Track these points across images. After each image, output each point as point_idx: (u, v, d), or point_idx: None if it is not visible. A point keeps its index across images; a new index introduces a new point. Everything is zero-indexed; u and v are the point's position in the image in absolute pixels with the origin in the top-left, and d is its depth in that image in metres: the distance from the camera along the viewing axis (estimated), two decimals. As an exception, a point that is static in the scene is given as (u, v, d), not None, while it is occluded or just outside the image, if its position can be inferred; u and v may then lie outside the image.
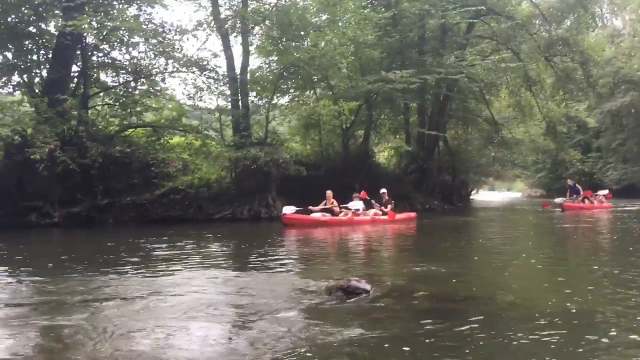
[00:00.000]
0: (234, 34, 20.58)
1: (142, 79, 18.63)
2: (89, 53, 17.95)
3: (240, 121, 19.42)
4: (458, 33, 26.86)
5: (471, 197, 40.00)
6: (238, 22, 19.78)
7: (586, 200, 24.09)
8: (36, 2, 15.37)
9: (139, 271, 7.19)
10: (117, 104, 18.72)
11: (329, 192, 15.86)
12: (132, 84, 18.79)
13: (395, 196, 18.77)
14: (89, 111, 17.96)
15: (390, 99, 23.04)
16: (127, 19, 17.18)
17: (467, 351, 3.70)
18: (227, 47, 20.05)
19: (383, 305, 5.03)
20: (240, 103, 19.84)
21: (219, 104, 20.87)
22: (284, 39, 20.14)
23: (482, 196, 54.60)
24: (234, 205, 18.14)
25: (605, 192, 26.42)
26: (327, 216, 15.32)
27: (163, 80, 19.13)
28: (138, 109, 18.50)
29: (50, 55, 17.34)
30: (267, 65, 22.13)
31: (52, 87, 16.24)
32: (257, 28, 20.79)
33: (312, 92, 23.95)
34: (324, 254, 9.93)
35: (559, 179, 42.09)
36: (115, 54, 18.67)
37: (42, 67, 17.55)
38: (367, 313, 4.76)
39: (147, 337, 4.04)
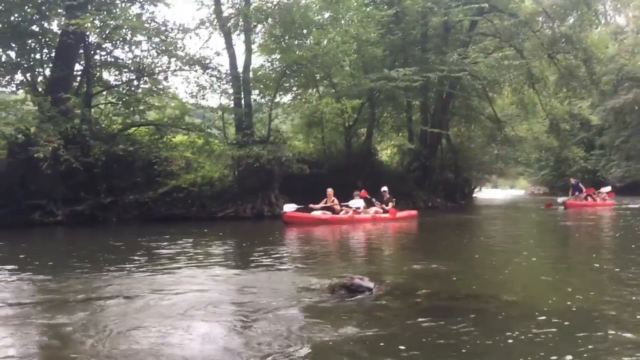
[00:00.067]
0: (237, 32, 20.59)
1: (145, 78, 18.63)
2: (92, 52, 17.97)
3: (242, 119, 19.43)
4: (461, 30, 26.80)
5: (474, 194, 39.97)
6: (240, 20, 19.78)
7: (589, 198, 24.06)
8: (39, 1, 15.40)
9: (141, 269, 7.21)
10: (120, 102, 18.74)
11: (330, 190, 15.85)
12: (135, 82, 18.81)
13: (397, 194, 18.77)
14: (92, 110, 17.97)
15: (393, 96, 23.04)
16: (130, 17, 17.18)
17: (469, 349, 3.70)
18: (229, 46, 20.05)
19: (386, 303, 5.04)
20: (242, 101, 19.85)
21: (221, 102, 20.92)
22: (286, 37, 20.14)
23: (485, 194, 54.54)
24: (237, 203, 18.15)
25: (608, 189, 26.35)
26: (328, 214, 15.31)
27: (166, 78, 19.16)
28: (141, 107, 18.52)
29: (53, 54, 17.37)
30: (269, 64, 22.13)
31: (55, 86, 16.27)
32: (259, 26, 20.78)
33: (314, 90, 23.95)
34: (326, 252, 9.94)
35: (562, 177, 42.02)
36: (118, 52, 18.71)
37: (45, 65, 17.58)
38: (370, 311, 4.77)
39: (149, 335, 4.05)
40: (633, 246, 9.90)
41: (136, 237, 12.10)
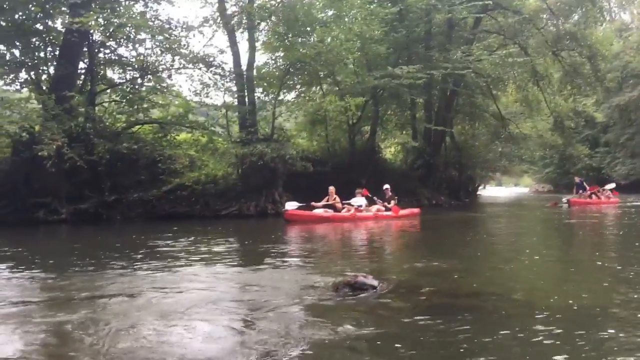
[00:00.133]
0: (240, 30, 20.59)
1: (149, 76, 18.64)
2: (96, 50, 17.98)
3: (246, 117, 19.43)
4: (465, 28, 26.77)
5: (478, 192, 39.92)
6: (244, 18, 19.78)
7: (593, 196, 24.00)
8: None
9: (145, 267, 7.21)
10: (124, 100, 18.73)
11: (332, 188, 15.85)
12: (139, 80, 18.81)
13: (401, 192, 18.75)
14: (96, 108, 18.00)
15: (397, 94, 23.01)
16: (134, 15, 17.19)
17: (473, 347, 3.69)
18: (233, 44, 20.04)
19: (390, 301, 5.03)
20: (246, 99, 19.85)
21: (225, 100, 20.93)
22: (290, 35, 20.12)
23: (489, 192, 54.48)
24: (241, 201, 18.16)
25: (612, 185, 26.28)
26: (330, 212, 15.30)
27: (169, 76, 19.15)
28: (145, 105, 18.52)
29: (57, 52, 17.38)
30: (273, 61, 22.13)
31: (59, 84, 16.29)
32: (263, 24, 20.80)
33: (318, 88, 23.94)
34: (329, 250, 9.94)
35: (566, 174, 41.99)
36: (122, 50, 18.71)
37: (49, 64, 17.60)
38: (374, 309, 4.76)
39: (151, 333, 4.04)
40: (637, 244, 9.87)
41: (140, 235, 12.10)
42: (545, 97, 29.63)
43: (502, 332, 3.99)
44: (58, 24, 17.16)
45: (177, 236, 11.55)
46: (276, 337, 3.91)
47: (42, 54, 17.51)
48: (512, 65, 25.56)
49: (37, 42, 17.31)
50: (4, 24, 16.11)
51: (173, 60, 18.69)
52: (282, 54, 21.27)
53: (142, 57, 18.42)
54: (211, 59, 18.94)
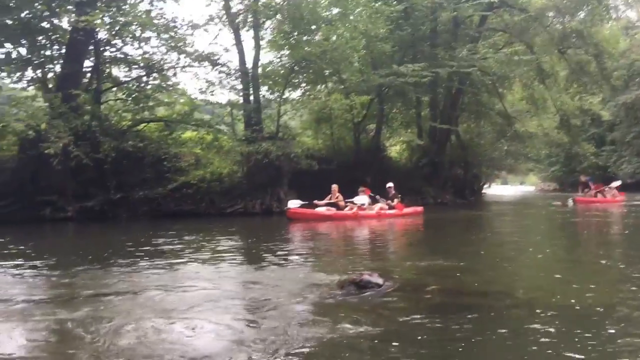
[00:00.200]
0: (246, 28, 20.60)
1: (154, 74, 18.70)
2: (102, 48, 18.04)
3: (251, 115, 19.46)
4: (470, 26, 26.68)
5: (483, 191, 39.81)
6: (249, 16, 19.78)
7: (599, 195, 23.91)
8: (49, -2, 15.49)
9: (149, 265, 7.23)
10: (130, 98, 18.81)
11: (334, 186, 15.83)
12: (144, 78, 18.88)
13: (406, 190, 18.72)
14: (102, 106, 18.07)
15: (402, 92, 22.98)
16: (139, 14, 17.23)
17: (479, 346, 3.69)
18: (238, 42, 20.07)
19: (396, 299, 5.03)
20: (251, 97, 19.89)
21: (230, 98, 20.97)
22: (295, 33, 20.10)
23: (495, 190, 54.31)
24: (246, 199, 18.19)
25: (618, 183, 26.12)
26: (332, 210, 15.29)
27: (175, 75, 19.22)
28: (150, 103, 18.59)
29: (63, 51, 17.47)
30: (278, 60, 22.13)
31: (65, 82, 16.36)
32: (268, 22, 20.80)
33: (323, 86, 23.92)
34: (333, 249, 9.95)
35: (572, 173, 41.76)
36: (127, 49, 18.77)
37: (55, 62, 17.68)
38: (379, 307, 4.77)
39: (154, 331, 4.05)
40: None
41: (145, 233, 12.14)
42: (551, 95, 29.51)
43: (505, 331, 4.00)
44: (64, 23, 17.25)
45: (182, 234, 11.57)
46: (280, 335, 3.91)
47: (48, 53, 17.59)
48: (517, 63, 25.47)
49: (43, 41, 17.39)
50: (10, 22, 16.18)
51: (178, 59, 18.76)
52: (287, 52, 21.27)
53: (147, 56, 18.48)
54: (216, 57, 19.00)
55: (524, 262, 7.62)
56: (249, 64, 19.94)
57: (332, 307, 4.78)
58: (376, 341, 3.79)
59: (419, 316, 4.41)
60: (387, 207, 16.38)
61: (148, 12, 17.84)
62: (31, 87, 17.81)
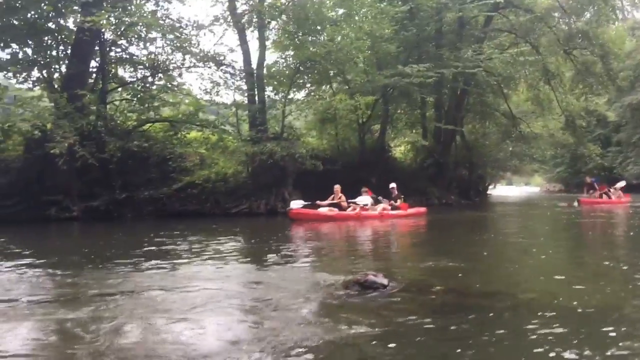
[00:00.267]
0: (251, 28, 20.64)
1: (160, 74, 18.76)
2: (107, 48, 18.11)
3: (256, 116, 19.49)
4: (476, 26, 26.63)
5: (488, 192, 39.73)
6: (254, 16, 19.81)
7: (604, 196, 23.82)
8: (55, -2, 15.56)
9: (154, 265, 7.24)
10: (135, 99, 18.89)
11: (337, 187, 15.80)
12: (150, 79, 18.95)
13: (411, 191, 18.70)
14: (107, 106, 18.14)
15: (407, 93, 22.97)
16: (145, 14, 17.30)
17: (484, 346, 3.68)
18: (243, 42, 20.10)
19: (400, 299, 5.02)
20: (256, 98, 19.92)
21: (235, 98, 20.97)
22: (300, 34, 20.13)
23: (500, 191, 54.23)
24: (251, 199, 18.21)
25: (623, 184, 25.99)
26: (335, 211, 15.25)
27: (180, 75, 19.30)
28: (155, 104, 18.66)
29: (69, 51, 17.54)
30: (283, 60, 22.18)
31: (71, 83, 16.42)
32: (273, 23, 20.81)
33: (328, 86, 23.93)
34: (337, 249, 9.92)
35: (578, 174, 41.68)
36: (133, 49, 18.86)
37: (61, 62, 17.75)
38: (384, 307, 4.75)
39: (158, 331, 4.06)
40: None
41: (150, 232, 12.15)
42: (556, 96, 29.40)
43: (510, 333, 3.98)
44: (70, 23, 17.33)
45: (187, 234, 11.59)
46: (284, 335, 3.91)
47: (54, 53, 17.66)
48: (523, 64, 25.42)
49: (49, 41, 17.47)
50: (16, 22, 16.27)
51: (184, 59, 18.82)
52: (292, 53, 21.30)
53: (153, 56, 18.56)
54: (221, 57, 19.07)
55: (528, 263, 7.59)
56: (254, 65, 19.97)
57: (336, 307, 4.77)
58: (382, 342, 3.78)
59: (424, 317, 4.40)
60: (390, 207, 16.35)
61: (153, 12, 17.91)
62: (37, 87, 17.88)
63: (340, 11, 21.34)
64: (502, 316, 4.50)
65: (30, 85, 17.83)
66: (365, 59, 21.83)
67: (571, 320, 4.27)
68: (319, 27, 19.92)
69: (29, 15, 16.47)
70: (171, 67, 18.84)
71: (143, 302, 4.97)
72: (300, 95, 24.44)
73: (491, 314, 4.52)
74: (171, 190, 17.34)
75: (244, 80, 19.85)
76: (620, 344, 3.69)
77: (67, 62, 17.39)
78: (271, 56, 22.41)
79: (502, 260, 8.11)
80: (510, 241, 11.15)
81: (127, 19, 16.70)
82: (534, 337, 3.84)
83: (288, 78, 20.98)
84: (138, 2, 18.17)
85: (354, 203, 15.63)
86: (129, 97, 19.26)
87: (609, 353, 3.50)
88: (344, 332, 3.97)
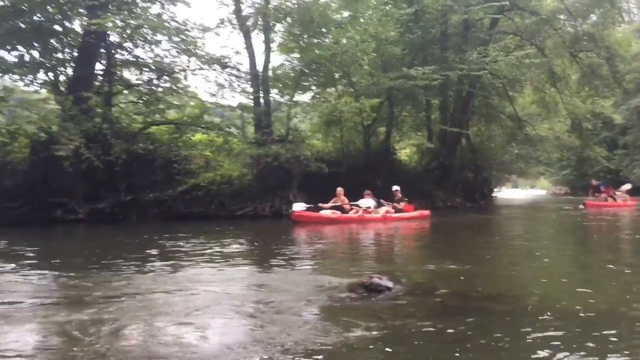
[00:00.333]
0: (256, 31, 20.65)
1: (165, 77, 18.78)
2: (113, 51, 18.14)
3: (261, 118, 19.50)
4: (481, 29, 26.62)
5: (494, 194, 39.64)
6: (260, 19, 19.83)
7: (609, 199, 23.73)
8: (61, 1, 15.59)
9: (158, 267, 7.25)
10: (141, 101, 18.92)
11: (339, 189, 15.78)
12: (155, 81, 18.95)
13: (416, 193, 18.65)
14: (113, 109, 18.16)
15: (412, 95, 22.93)
16: (151, 17, 17.32)
17: (488, 350, 3.67)
18: (248, 45, 20.13)
19: (406, 302, 5.01)
20: (261, 100, 19.94)
21: (240, 101, 21.00)
22: (305, 36, 20.14)
23: (505, 194, 54.09)
24: (256, 202, 18.21)
25: (628, 186, 25.89)
26: (337, 213, 15.22)
27: (185, 77, 19.28)
28: (161, 106, 18.68)
29: (75, 54, 17.58)
30: (288, 63, 22.17)
31: (77, 85, 16.46)
32: (278, 25, 20.83)
33: (333, 89, 23.92)
34: (341, 252, 9.92)
35: (584, 177, 41.52)
36: (138, 52, 18.84)
37: (67, 65, 17.79)
38: (390, 310, 4.74)
39: (162, 333, 4.06)
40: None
41: (155, 235, 12.17)
42: (562, 98, 29.31)
43: (514, 335, 3.98)
44: (76, 26, 17.36)
45: (192, 237, 11.59)
46: (288, 338, 3.90)
47: (60, 55, 17.69)
48: (528, 66, 25.33)
49: (55, 44, 17.50)
50: (23, 25, 16.31)
51: (189, 62, 18.83)
52: (297, 55, 21.31)
53: (158, 59, 18.57)
54: (227, 60, 19.05)
55: (532, 266, 7.57)
56: (259, 67, 20.02)
57: (341, 310, 4.77)
58: (388, 345, 3.77)
59: (429, 320, 4.39)
60: (392, 210, 16.32)
61: (159, 15, 17.93)
62: (43, 90, 17.92)
63: (346, 14, 21.36)
64: (506, 319, 4.49)
65: (37, 88, 17.87)
66: (370, 61, 21.79)
67: (575, 323, 4.26)
68: (324, 30, 19.93)
69: (35, 18, 16.51)
70: (177, 70, 18.86)
71: (146, 305, 4.98)
72: (306, 97, 24.46)
73: (495, 317, 4.51)
74: (176, 192, 17.36)
75: (249, 82, 19.87)
76: (623, 347, 3.68)
77: (73, 64, 17.44)
78: (276, 59, 22.51)
79: (506, 263, 8.08)
80: (515, 244, 11.12)
81: (133, 21, 16.73)
82: (538, 340, 3.83)
83: (293, 80, 21.00)
84: (144, 4, 18.21)
85: (357, 206, 15.60)
86: (134, 99, 19.30)
87: (612, 356, 3.49)
88: (350, 335, 3.96)
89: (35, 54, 17.23)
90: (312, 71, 21.19)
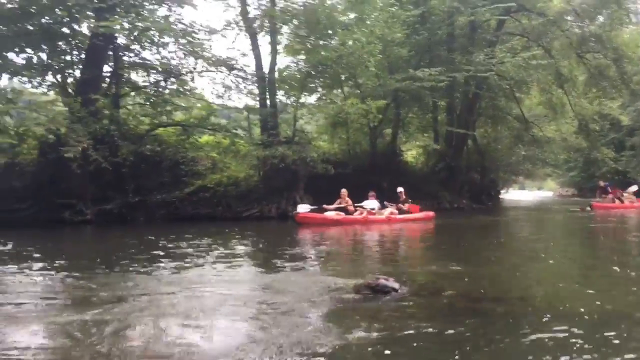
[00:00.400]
0: (262, 33, 20.69)
1: (172, 79, 18.85)
2: (121, 53, 18.22)
3: (268, 120, 19.53)
4: (488, 30, 26.54)
5: (501, 196, 39.50)
6: (266, 21, 19.87)
7: (616, 200, 23.61)
8: (69, 4, 15.66)
9: (164, 268, 7.29)
10: (148, 103, 19.01)
11: (344, 191, 15.79)
12: (162, 83, 19.04)
13: (423, 195, 18.62)
14: (121, 110, 18.24)
15: (419, 97, 22.91)
16: (158, 19, 17.40)
17: (495, 351, 3.68)
18: (255, 47, 20.17)
19: (412, 303, 5.02)
20: (268, 102, 19.96)
21: (247, 103, 21.04)
22: (312, 38, 20.13)
23: (512, 195, 53.86)
24: (262, 203, 18.23)
25: (635, 188, 25.73)
26: (342, 215, 15.22)
27: (192, 79, 19.35)
28: (168, 108, 18.77)
29: (83, 56, 17.67)
30: (295, 64, 22.17)
31: (84, 87, 16.55)
32: (285, 27, 20.86)
33: (339, 90, 23.92)
34: (345, 253, 9.93)
35: (591, 178, 41.30)
36: (146, 54, 18.94)
37: (75, 67, 17.89)
38: (396, 311, 4.76)
39: (167, 334, 4.09)
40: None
41: (162, 236, 12.19)
42: (569, 99, 29.18)
43: (519, 337, 3.99)
44: (84, 28, 17.42)
45: (199, 238, 11.63)
46: (295, 338, 3.92)
47: (68, 58, 17.79)
48: (535, 67, 25.20)
49: (63, 46, 17.59)
50: (31, 28, 16.40)
51: (196, 63, 18.91)
52: (303, 57, 21.31)
53: (165, 60, 18.65)
54: (233, 62, 19.12)
55: (537, 268, 7.56)
56: (266, 69, 20.05)
57: (348, 311, 4.78)
58: (395, 346, 3.78)
59: (436, 321, 4.39)
60: (397, 211, 16.30)
61: (166, 17, 18.00)
62: (51, 92, 18.02)
63: (352, 15, 21.35)
64: (512, 321, 4.49)
65: (45, 90, 17.98)
66: (376, 63, 21.78)
67: (580, 325, 4.25)
68: (330, 32, 19.92)
69: (43, 20, 16.59)
70: (183, 72, 18.94)
71: (152, 305, 5.01)
72: (312, 99, 24.46)
73: (501, 319, 4.52)
74: (183, 194, 17.42)
75: (256, 84, 19.91)
76: (629, 349, 3.67)
77: (81, 66, 17.53)
78: (283, 60, 22.48)
79: (512, 265, 8.08)
80: (521, 246, 11.11)
81: (140, 24, 16.80)
82: (544, 342, 3.84)
83: (299, 82, 21.01)
84: (151, 7, 18.28)
85: (361, 207, 15.61)
86: (141, 101, 19.39)
87: (617, 359, 3.49)
88: (357, 336, 3.97)
89: (44, 56, 17.33)
90: (318, 73, 21.19)
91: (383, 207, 16.26)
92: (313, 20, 18.98)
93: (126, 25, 16.60)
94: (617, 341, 3.84)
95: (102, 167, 15.14)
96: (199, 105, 20.54)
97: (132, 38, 17.38)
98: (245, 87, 20.01)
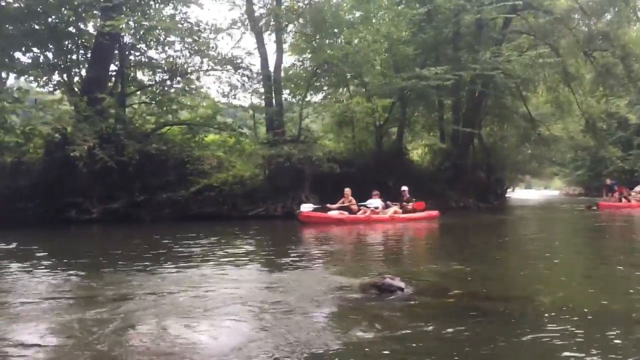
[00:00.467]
0: (268, 32, 20.70)
1: (178, 78, 18.88)
2: (127, 52, 18.27)
3: (273, 119, 19.53)
4: (494, 28, 26.44)
5: (507, 195, 39.40)
6: (272, 20, 19.88)
7: (623, 199, 23.49)
8: (75, 3, 15.72)
9: (169, 267, 7.28)
10: (154, 102, 19.05)
11: (347, 190, 15.74)
12: (168, 82, 19.07)
13: (429, 194, 18.55)
14: (127, 109, 18.29)
15: (424, 95, 22.85)
16: (164, 18, 17.44)
17: (502, 351, 3.65)
18: (261, 45, 20.18)
19: (418, 303, 4.99)
20: (273, 101, 19.97)
21: (252, 101, 21.04)
22: (317, 37, 20.13)
23: (519, 194, 53.75)
24: (268, 202, 18.23)
25: None
26: (345, 214, 15.19)
27: (198, 78, 19.39)
28: (174, 107, 18.79)
29: (89, 55, 17.73)
30: (300, 63, 22.18)
31: (91, 86, 16.60)
32: (290, 26, 20.86)
33: (345, 89, 23.91)
34: (350, 252, 9.91)
35: (598, 177, 41.11)
36: (151, 53, 18.99)
37: (81, 66, 17.97)
38: (402, 311, 4.74)
39: (171, 333, 4.07)
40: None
41: (167, 235, 12.23)
42: (576, 98, 29.07)
43: (525, 337, 3.96)
44: (90, 27, 17.53)
45: (204, 237, 11.64)
46: (300, 338, 3.90)
47: (74, 57, 17.87)
48: (542, 66, 25.09)
49: (69, 45, 17.67)
50: (37, 27, 16.48)
51: (202, 62, 18.94)
52: (309, 56, 21.31)
53: (171, 59, 18.68)
54: (239, 60, 19.14)
55: (543, 268, 7.51)
56: (271, 68, 20.02)
57: (354, 310, 4.76)
58: (402, 345, 3.76)
59: (442, 321, 4.37)
60: (400, 210, 16.26)
61: (172, 16, 18.05)
62: (57, 91, 18.09)
63: (358, 14, 21.31)
64: (517, 321, 4.47)
65: (51, 89, 18.06)
66: (382, 61, 21.75)
67: (586, 325, 4.24)
68: (336, 30, 19.91)
69: (49, 19, 16.67)
70: (189, 71, 18.97)
71: (157, 304, 5.01)
72: (318, 98, 24.47)
73: (506, 319, 4.50)
74: (189, 192, 17.43)
75: (262, 83, 19.92)
76: (631, 350, 3.64)
77: (87, 66, 17.60)
78: (288, 59, 22.49)
79: (517, 264, 8.04)
80: (527, 245, 11.06)
81: (146, 23, 16.85)
82: (550, 341, 3.81)
83: (305, 81, 21.01)
84: (157, 6, 18.32)
85: (364, 206, 15.58)
86: (147, 100, 19.43)
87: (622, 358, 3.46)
88: (363, 335, 3.96)
89: (50, 55, 17.42)
90: (324, 71, 21.18)
91: (386, 206, 16.22)
92: (319, 18, 18.97)
93: (132, 24, 16.67)
94: (619, 341, 3.81)
95: (108, 166, 15.17)
96: (204, 104, 20.56)
97: (138, 37, 17.44)
98: (250, 86, 20.05)
